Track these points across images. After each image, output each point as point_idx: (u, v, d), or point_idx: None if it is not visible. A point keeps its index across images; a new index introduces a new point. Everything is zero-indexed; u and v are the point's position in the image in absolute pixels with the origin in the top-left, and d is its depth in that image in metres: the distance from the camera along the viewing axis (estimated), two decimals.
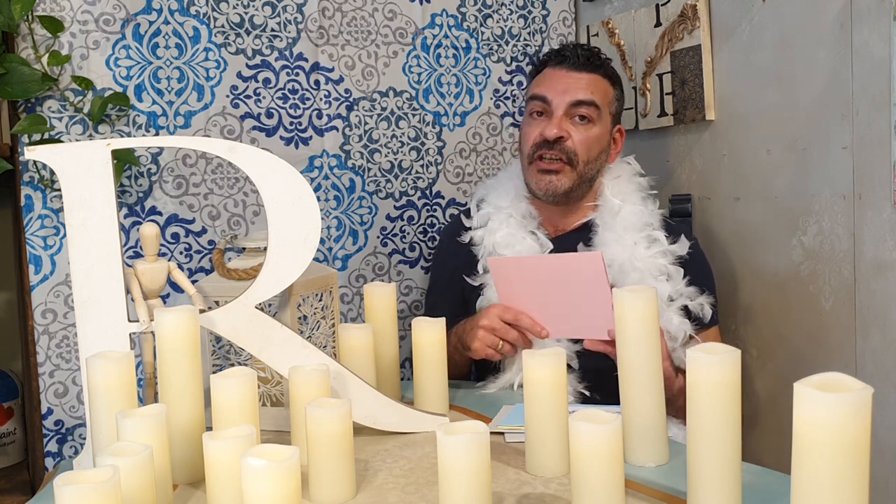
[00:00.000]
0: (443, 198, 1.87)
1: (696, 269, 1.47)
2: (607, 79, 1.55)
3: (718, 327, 1.52)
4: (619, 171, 1.55)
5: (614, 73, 1.57)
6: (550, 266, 1.34)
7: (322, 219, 1.60)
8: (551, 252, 1.48)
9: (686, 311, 1.42)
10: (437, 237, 1.85)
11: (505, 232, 1.50)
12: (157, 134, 1.58)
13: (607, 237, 1.46)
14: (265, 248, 1.08)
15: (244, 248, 1.26)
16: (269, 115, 1.69)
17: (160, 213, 1.60)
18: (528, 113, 1.55)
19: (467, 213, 1.59)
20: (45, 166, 1.48)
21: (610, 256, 1.43)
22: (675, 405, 1.25)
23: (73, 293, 1.04)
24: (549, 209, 1.55)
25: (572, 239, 1.51)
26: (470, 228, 1.55)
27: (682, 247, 1.45)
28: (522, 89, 1.93)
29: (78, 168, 1.03)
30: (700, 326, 1.43)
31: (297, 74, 1.71)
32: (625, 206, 1.49)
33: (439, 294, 1.63)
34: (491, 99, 1.91)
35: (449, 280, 1.58)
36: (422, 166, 1.84)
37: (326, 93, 1.74)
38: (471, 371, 1.57)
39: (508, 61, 1.92)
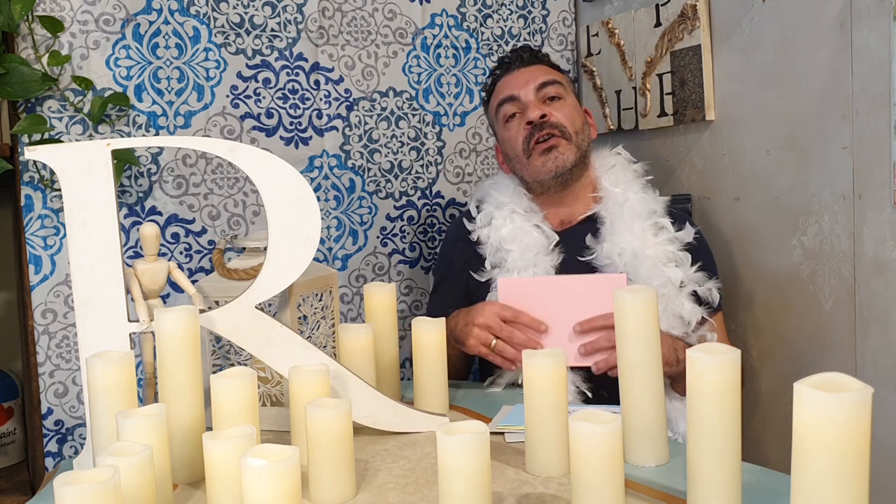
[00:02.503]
0: (443, 198, 1.87)
1: (702, 255, 1.49)
2: (554, 67, 1.61)
3: (722, 313, 1.53)
4: (613, 161, 1.57)
5: (557, 65, 1.64)
6: (568, 287, 1.35)
7: (322, 219, 1.61)
8: (557, 245, 1.48)
9: (695, 296, 1.43)
10: (437, 237, 1.86)
11: (510, 227, 1.50)
12: (157, 134, 1.58)
13: (616, 226, 1.47)
14: (265, 248, 1.08)
15: (244, 248, 1.26)
16: (269, 115, 1.69)
17: (160, 213, 1.60)
18: (502, 123, 1.58)
19: (468, 216, 1.59)
20: (45, 166, 1.48)
21: (622, 245, 1.45)
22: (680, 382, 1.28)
23: (73, 293, 1.04)
24: (551, 201, 1.55)
25: (579, 231, 1.51)
26: (474, 230, 1.55)
27: (688, 233, 1.47)
28: None
29: (78, 168, 1.02)
30: (709, 311, 1.44)
31: (297, 74, 1.71)
32: (628, 195, 1.50)
33: (444, 292, 1.62)
34: None
35: (454, 278, 1.58)
36: (422, 166, 1.84)
37: (326, 93, 1.74)
38: (470, 368, 1.57)
39: None
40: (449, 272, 1.62)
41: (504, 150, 1.60)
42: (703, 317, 1.43)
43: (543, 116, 1.50)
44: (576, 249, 1.48)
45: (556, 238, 1.49)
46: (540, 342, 1.34)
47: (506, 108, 1.55)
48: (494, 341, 1.35)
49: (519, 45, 1.91)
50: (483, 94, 1.67)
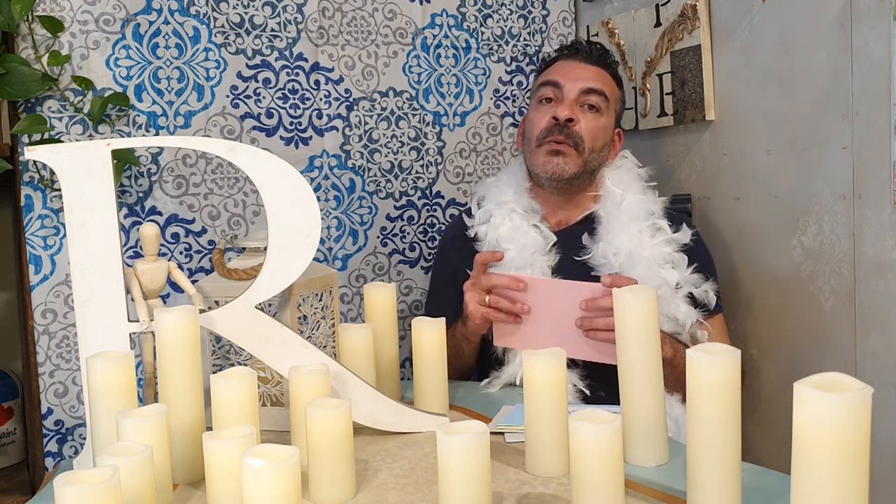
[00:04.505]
0: (443, 198, 1.87)
1: (700, 257, 1.48)
2: (615, 79, 1.59)
3: (723, 314, 1.53)
4: (619, 162, 1.58)
5: (620, 77, 1.61)
6: (553, 290, 1.34)
7: (322, 219, 1.60)
8: (554, 245, 1.48)
9: (691, 298, 1.43)
10: (437, 237, 1.86)
11: (508, 226, 1.50)
12: (157, 134, 1.58)
13: (613, 226, 1.47)
14: (265, 248, 1.08)
15: (244, 248, 1.26)
16: (269, 115, 1.69)
17: (160, 213, 1.60)
18: (536, 100, 1.57)
19: (469, 213, 1.59)
20: (45, 166, 1.48)
21: (617, 245, 1.45)
22: (673, 379, 1.27)
23: (73, 293, 1.04)
24: (552, 201, 1.55)
25: (576, 232, 1.51)
26: (472, 226, 1.56)
27: (685, 235, 1.47)
28: (523, 89, 1.93)
29: (78, 168, 1.02)
30: (706, 313, 1.44)
31: (297, 74, 1.71)
32: (627, 195, 1.50)
33: (441, 290, 1.63)
34: (491, 99, 1.90)
35: (451, 277, 1.58)
36: (422, 166, 1.84)
37: (326, 93, 1.74)
38: (473, 371, 1.57)
39: (508, 61, 1.92)
40: (446, 270, 1.62)
41: (526, 126, 1.60)
42: (698, 320, 1.43)
43: (570, 120, 1.50)
44: (573, 249, 1.48)
45: (554, 238, 1.49)
46: (522, 281, 1.33)
47: (545, 91, 1.55)
48: (487, 297, 1.36)
49: (521, 44, 1.91)
50: (541, 63, 1.67)
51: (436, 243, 1.85)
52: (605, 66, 1.57)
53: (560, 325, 1.32)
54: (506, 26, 1.92)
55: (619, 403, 1.02)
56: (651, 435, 0.99)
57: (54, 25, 1.47)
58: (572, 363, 1.37)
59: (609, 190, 1.52)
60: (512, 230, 1.50)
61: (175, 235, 1.61)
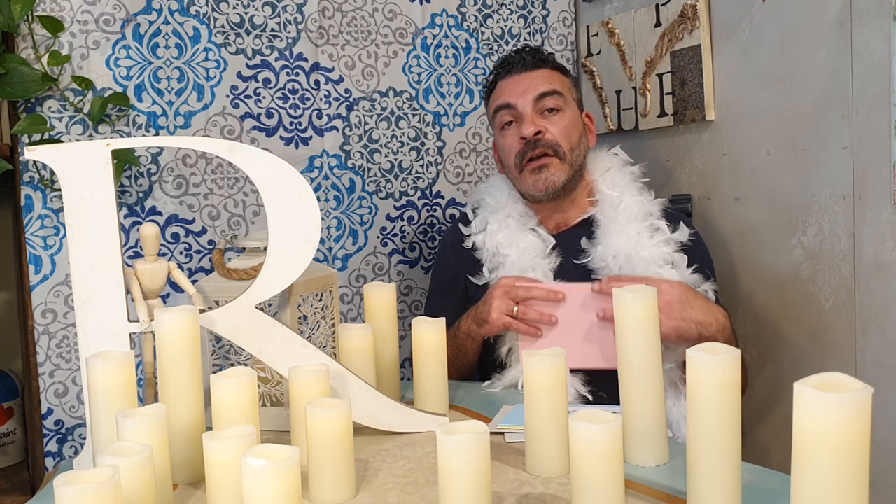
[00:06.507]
0: (443, 198, 1.87)
1: (699, 257, 1.48)
2: (558, 70, 1.58)
3: None
4: (609, 163, 1.57)
5: (562, 66, 1.61)
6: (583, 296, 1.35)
7: (322, 219, 1.61)
8: (553, 248, 1.48)
9: None
10: (437, 237, 1.86)
11: (506, 232, 1.50)
12: (157, 134, 1.58)
13: (611, 229, 1.47)
14: (265, 248, 1.08)
15: (244, 248, 1.26)
16: (269, 115, 1.69)
17: (160, 213, 1.60)
18: (498, 129, 1.57)
19: (464, 220, 1.59)
20: (45, 166, 1.48)
21: (616, 247, 1.44)
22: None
23: (73, 293, 1.04)
24: (547, 208, 1.55)
25: (574, 234, 1.51)
26: (469, 235, 1.55)
27: (683, 234, 1.47)
28: None
29: (78, 168, 1.02)
30: None
31: (297, 74, 1.72)
32: (624, 197, 1.50)
33: (441, 297, 1.62)
34: None
35: (452, 282, 1.58)
36: (422, 166, 1.84)
37: (326, 93, 1.74)
38: (475, 371, 1.57)
39: None
40: (446, 277, 1.62)
41: (500, 154, 1.60)
42: None
43: (538, 133, 1.49)
44: (572, 252, 1.48)
45: (553, 241, 1.49)
46: (560, 293, 1.34)
47: (502, 115, 1.54)
48: (516, 308, 1.35)
49: (520, 44, 1.91)
50: (483, 90, 1.67)
51: (436, 243, 1.85)
52: (544, 64, 1.56)
53: (586, 331, 1.34)
54: (506, 26, 1.92)
55: (619, 404, 1.02)
56: (651, 435, 0.99)
57: (54, 25, 1.47)
58: (574, 370, 1.37)
59: (605, 194, 1.52)
60: (510, 235, 1.50)
61: (175, 235, 1.61)
